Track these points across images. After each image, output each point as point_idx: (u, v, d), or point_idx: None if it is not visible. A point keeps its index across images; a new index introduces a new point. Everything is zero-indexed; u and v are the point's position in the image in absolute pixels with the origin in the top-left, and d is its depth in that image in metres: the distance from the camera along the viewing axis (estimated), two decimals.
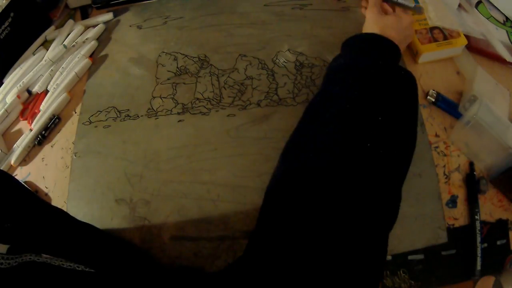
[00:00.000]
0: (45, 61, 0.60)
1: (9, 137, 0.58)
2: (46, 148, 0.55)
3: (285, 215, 0.32)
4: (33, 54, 0.63)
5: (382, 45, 0.45)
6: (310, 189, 0.33)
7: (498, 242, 0.48)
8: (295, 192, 0.33)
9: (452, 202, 0.49)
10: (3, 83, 0.61)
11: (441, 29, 0.57)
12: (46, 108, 0.57)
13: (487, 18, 0.63)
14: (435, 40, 0.56)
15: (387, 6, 0.54)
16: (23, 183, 0.53)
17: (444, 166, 0.50)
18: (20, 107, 0.59)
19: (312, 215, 0.31)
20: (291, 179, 0.35)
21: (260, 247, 0.32)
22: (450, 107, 0.53)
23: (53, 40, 0.64)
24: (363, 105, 0.37)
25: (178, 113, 0.54)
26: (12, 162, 0.54)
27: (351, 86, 0.39)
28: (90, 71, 0.60)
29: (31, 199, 0.37)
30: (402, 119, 0.38)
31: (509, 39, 0.61)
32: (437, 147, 0.51)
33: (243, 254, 0.33)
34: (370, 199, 0.33)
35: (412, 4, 0.51)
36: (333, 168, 0.33)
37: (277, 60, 0.58)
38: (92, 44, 0.62)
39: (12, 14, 0.60)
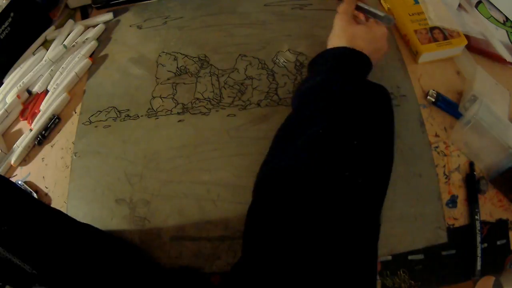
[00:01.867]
0: (45, 61, 0.60)
1: (9, 137, 0.58)
2: (46, 148, 0.55)
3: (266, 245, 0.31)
4: (33, 54, 0.63)
5: (352, 60, 0.43)
6: (287, 220, 0.31)
7: (498, 242, 0.48)
8: (272, 219, 0.32)
9: (452, 202, 0.49)
10: (3, 83, 0.61)
11: (441, 29, 0.57)
12: (46, 108, 0.57)
13: (487, 18, 0.63)
14: (435, 40, 0.56)
15: (361, 16, 0.50)
16: (20, 185, 0.52)
17: (444, 166, 0.50)
18: (20, 107, 0.59)
19: (290, 249, 0.29)
20: (266, 207, 0.33)
21: (251, 253, 0.32)
22: (450, 107, 0.53)
23: (53, 40, 0.64)
24: (336, 129, 0.35)
25: (178, 113, 0.54)
26: (12, 162, 0.54)
27: (323, 109, 0.37)
28: (90, 71, 0.60)
29: (28, 202, 0.37)
30: (378, 139, 0.36)
31: (509, 39, 0.61)
32: (437, 147, 0.51)
33: (240, 258, 0.33)
34: (350, 230, 0.31)
35: (382, 14, 0.47)
36: (309, 201, 0.31)
37: (277, 60, 0.58)
38: (92, 44, 0.62)
39: (12, 14, 0.60)
